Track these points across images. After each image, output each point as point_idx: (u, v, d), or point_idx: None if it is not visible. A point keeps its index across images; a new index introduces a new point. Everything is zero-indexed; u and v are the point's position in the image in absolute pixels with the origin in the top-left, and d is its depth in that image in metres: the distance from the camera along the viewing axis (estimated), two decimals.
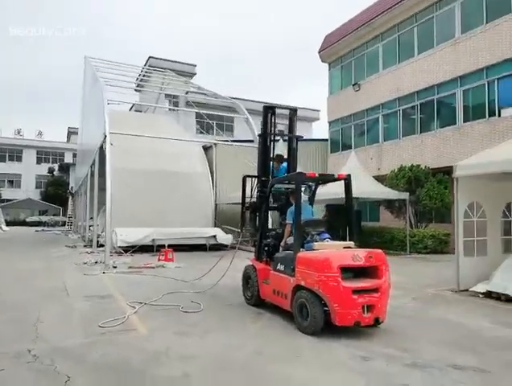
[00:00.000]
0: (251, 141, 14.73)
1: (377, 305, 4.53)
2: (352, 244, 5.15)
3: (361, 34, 18.82)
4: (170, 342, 4.35)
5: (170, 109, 29.87)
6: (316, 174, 5.41)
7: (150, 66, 30.54)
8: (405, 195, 14.16)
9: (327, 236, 5.34)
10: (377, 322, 4.59)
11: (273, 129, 6.45)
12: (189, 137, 19.37)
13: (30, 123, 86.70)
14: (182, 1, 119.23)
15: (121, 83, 16.82)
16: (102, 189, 13.57)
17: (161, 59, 31.93)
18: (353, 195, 14.10)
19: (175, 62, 32.39)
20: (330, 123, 21.21)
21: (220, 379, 3.47)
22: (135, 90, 29.41)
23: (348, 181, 5.48)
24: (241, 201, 6.65)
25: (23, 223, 41.93)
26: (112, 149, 16.02)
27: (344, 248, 4.98)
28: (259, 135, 6.56)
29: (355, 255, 4.58)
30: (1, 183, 49.76)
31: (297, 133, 6.60)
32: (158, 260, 11.06)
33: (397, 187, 14.42)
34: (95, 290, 7.25)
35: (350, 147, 19.55)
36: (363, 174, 14.70)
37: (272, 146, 6.46)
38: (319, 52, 21.52)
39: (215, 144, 18.43)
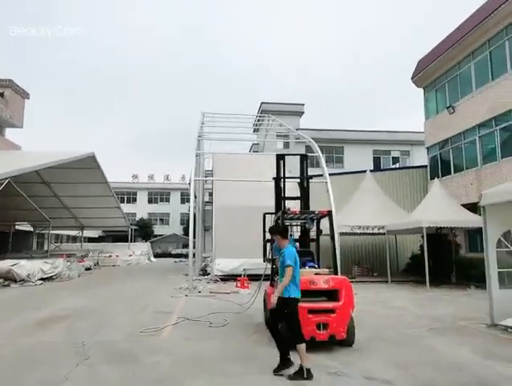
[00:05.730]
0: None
1: (333, 324, 5.23)
2: (325, 271, 5.91)
3: (453, 54, 18.06)
4: (172, 344, 5.84)
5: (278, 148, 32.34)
6: (297, 211, 6.36)
7: (262, 110, 33.98)
8: None
9: (311, 264, 6.21)
10: (333, 338, 5.26)
11: (284, 173, 7.59)
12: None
13: (174, 167, 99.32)
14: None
15: (219, 135, 19.53)
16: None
17: (271, 102, 35.03)
18: (437, 225, 13.44)
19: (285, 104, 35.06)
20: (428, 148, 20.36)
21: (177, 366, 4.78)
22: (253, 131, 33.07)
23: (330, 216, 6.27)
24: (262, 235, 7.86)
25: (169, 255, 49.33)
26: (216, 189, 18.95)
27: (316, 274, 5.78)
28: (273, 178, 7.74)
29: (312, 280, 5.40)
30: (154, 221, 59.52)
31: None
32: (236, 287, 12.69)
33: None
34: (165, 308, 9.21)
35: (449, 173, 18.47)
36: (447, 202, 14.08)
37: (283, 187, 7.59)
38: (412, 78, 21.15)
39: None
